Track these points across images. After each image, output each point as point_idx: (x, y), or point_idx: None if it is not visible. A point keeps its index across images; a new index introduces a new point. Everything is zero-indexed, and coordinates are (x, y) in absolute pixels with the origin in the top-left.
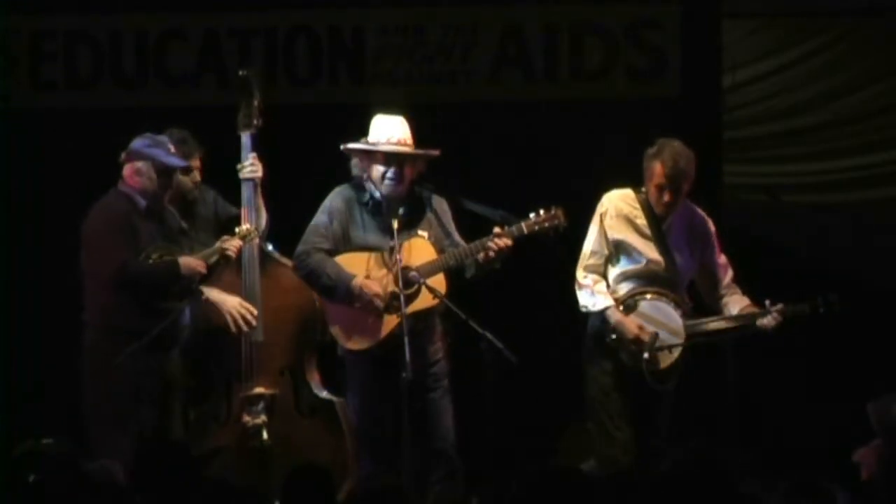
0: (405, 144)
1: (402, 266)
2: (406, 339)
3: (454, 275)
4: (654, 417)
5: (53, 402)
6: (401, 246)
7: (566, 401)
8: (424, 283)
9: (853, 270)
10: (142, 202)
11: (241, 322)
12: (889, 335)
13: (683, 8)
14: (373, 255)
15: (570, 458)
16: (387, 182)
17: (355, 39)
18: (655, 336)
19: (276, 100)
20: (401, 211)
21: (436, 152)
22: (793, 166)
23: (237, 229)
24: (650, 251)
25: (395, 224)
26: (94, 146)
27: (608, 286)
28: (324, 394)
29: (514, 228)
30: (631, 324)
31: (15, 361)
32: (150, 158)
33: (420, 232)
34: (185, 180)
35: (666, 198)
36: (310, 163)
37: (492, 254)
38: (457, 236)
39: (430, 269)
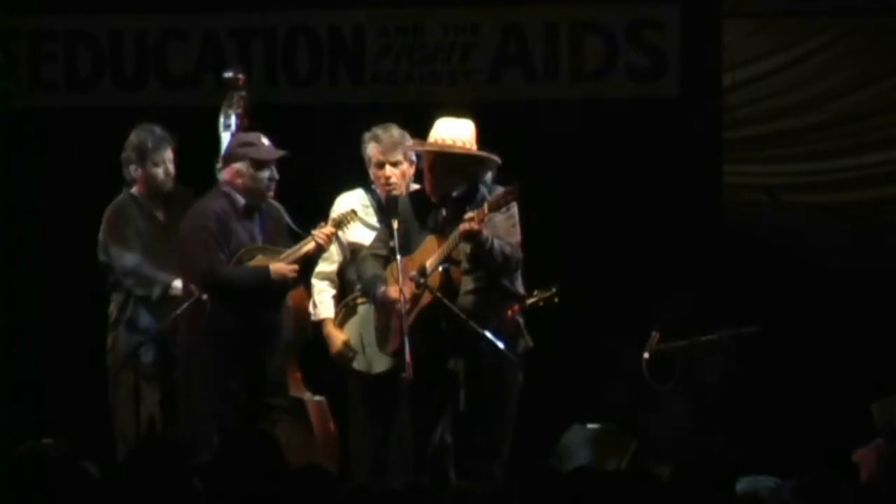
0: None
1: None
2: (406, 340)
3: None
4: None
5: (53, 402)
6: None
7: (566, 401)
8: (428, 285)
9: (853, 270)
10: (241, 200)
11: None
12: (889, 335)
13: (683, 8)
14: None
15: (570, 459)
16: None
17: (355, 39)
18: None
19: (276, 100)
20: (443, 212)
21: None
22: (793, 166)
23: (332, 216)
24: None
25: (395, 224)
26: (94, 146)
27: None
28: (293, 393)
29: (476, 212)
30: (337, 339)
31: (15, 361)
32: (245, 157)
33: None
34: (156, 172)
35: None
36: (309, 163)
37: (471, 227)
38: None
39: (432, 264)
